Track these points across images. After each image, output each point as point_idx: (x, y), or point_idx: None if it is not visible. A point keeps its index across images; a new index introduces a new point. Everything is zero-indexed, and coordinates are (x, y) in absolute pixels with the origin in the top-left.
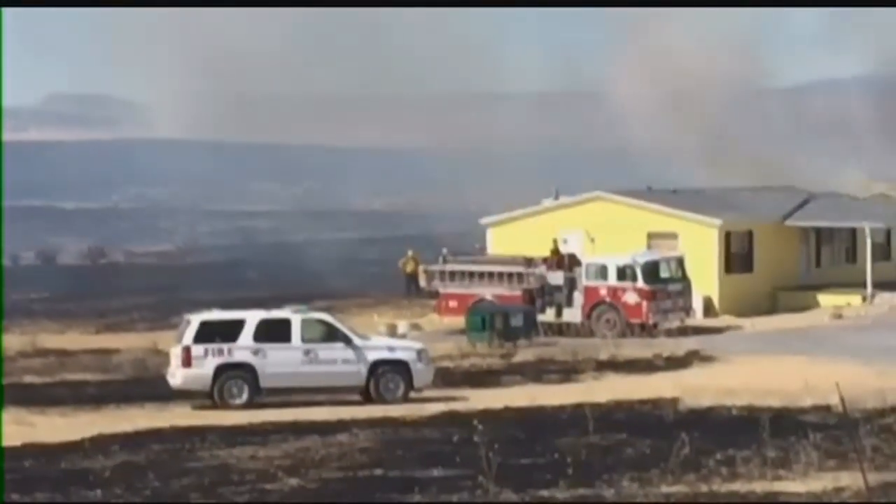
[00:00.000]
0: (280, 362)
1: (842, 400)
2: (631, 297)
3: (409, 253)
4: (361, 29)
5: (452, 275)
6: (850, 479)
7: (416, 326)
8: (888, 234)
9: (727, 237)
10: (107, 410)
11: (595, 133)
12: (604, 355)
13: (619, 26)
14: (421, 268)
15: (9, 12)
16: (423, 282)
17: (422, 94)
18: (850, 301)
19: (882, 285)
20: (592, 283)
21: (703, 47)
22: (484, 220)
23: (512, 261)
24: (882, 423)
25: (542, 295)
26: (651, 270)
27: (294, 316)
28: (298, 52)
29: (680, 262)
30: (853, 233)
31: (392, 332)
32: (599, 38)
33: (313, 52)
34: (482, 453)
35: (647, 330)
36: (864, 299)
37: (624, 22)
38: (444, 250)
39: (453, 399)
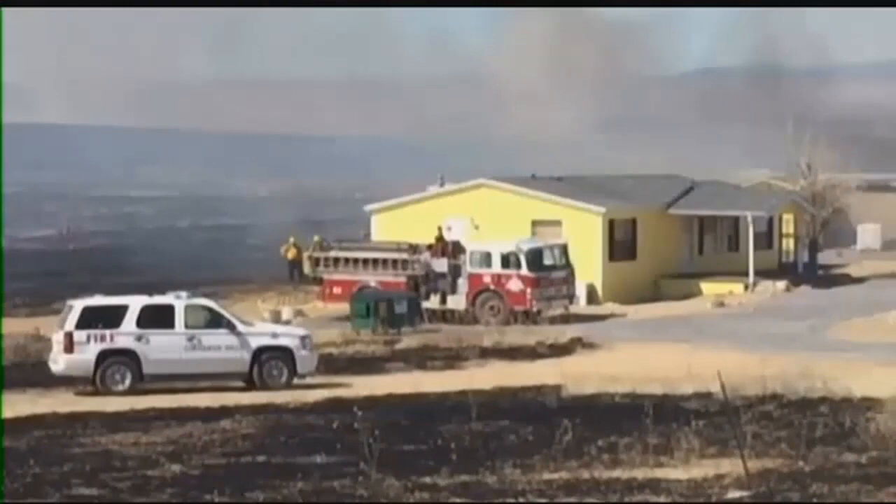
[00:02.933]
0: (163, 348)
1: (723, 387)
2: (515, 285)
3: (291, 239)
4: (242, 15)
5: (337, 261)
6: (730, 466)
7: (300, 313)
8: (770, 222)
9: (611, 225)
10: None
11: (481, 121)
12: (488, 342)
13: (506, 16)
14: (305, 254)
15: None
16: (307, 268)
17: (308, 80)
18: (732, 289)
19: (764, 273)
20: (476, 270)
21: (591, 38)
22: (369, 207)
23: (396, 248)
24: (762, 411)
25: (426, 282)
26: (535, 258)
27: (177, 302)
28: (178, 40)
29: (564, 249)
30: (736, 221)
31: (276, 318)
32: (487, 27)
33: (192, 40)
34: (364, 440)
35: (530, 317)
36: (746, 287)
37: (511, 13)
38: (316, 237)
39: (337, 386)
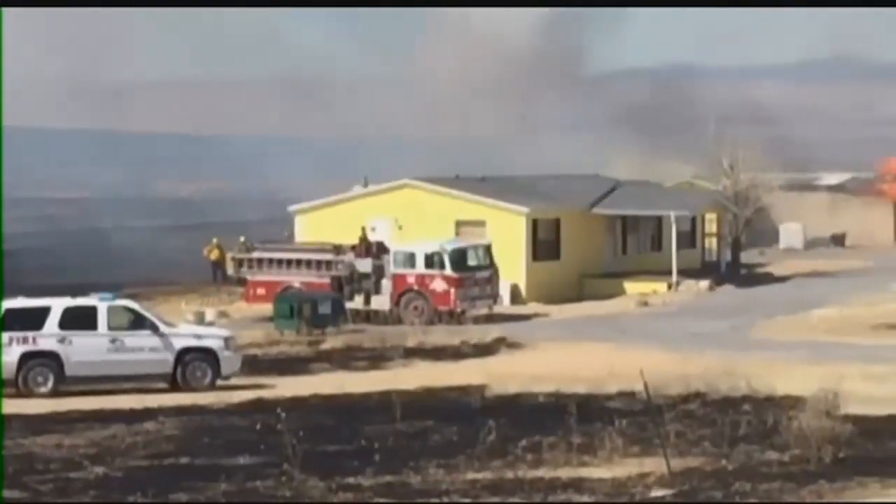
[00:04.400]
0: (86, 350)
1: (646, 386)
2: (439, 285)
3: (214, 240)
4: (168, 15)
5: (260, 262)
6: (653, 465)
7: (223, 314)
8: (693, 221)
9: (534, 225)
10: None
11: (404, 121)
12: (412, 342)
13: (427, 17)
14: (229, 255)
15: None
16: (230, 269)
17: (232, 81)
18: (655, 288)
19: (687, 272)
20: (400, 270)
21: (512, 38)
22: (292, 208)
23: (320, 248)
24: (685, 409)
25: (350, 282)
26: (459, 258)
27: (100, 303)
28: (100, 42)
29: (487, 249)
30: (659, 221)
31: (199, 319)
32: (408, 29)
33: (116, 39)
34: (288, 441)
35: (454, 317)
36: (669, 286)
37: (432, 14)
38: (242, 238)
39: (261, 387)
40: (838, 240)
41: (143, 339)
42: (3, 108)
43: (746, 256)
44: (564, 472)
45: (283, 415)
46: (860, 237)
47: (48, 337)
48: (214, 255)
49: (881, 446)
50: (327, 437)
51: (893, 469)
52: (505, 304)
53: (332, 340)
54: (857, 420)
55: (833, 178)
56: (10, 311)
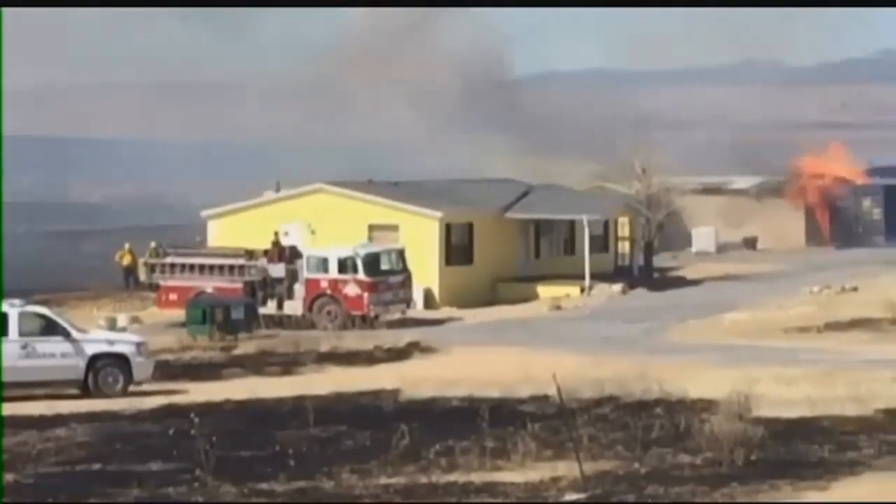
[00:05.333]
0: None
1: (559, 390)
2: (352, 289)
3: (126, 246)
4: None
5: (173, 267)
6: (566, 469)
7: (135, 319)
8: (606, 225)
9: (447, 229)
10: None
11: (320, 125)
12: (325, 347)
13: (342, 17)
14: (141, 260)
15: None
16: (143, 274)
17: (144, 83)
18: (568, 292)
19: (600, 276)
20: (313, 275)
21: (437, 42)
22: (205, 213)
23: (233, 253)
24: (598, 413)
25: (263, 287)
26: (372, 262)
27: (11, 309)
28: (18, 42)
29: (401, 253)
30: (572, 224)
31: (111, 325)
32: (329, 32)
33: (34, 42)
34: (201, 447)
35: (368, 322)
36: (582, 290)
37: (351, 13)
38: (153, 243)
39: (173, 392)
40: (750, 243)
41: (54, 344)
42: (2, 112)
43: (659, 260)
44: (477, 477)
45: (196, 420)
46: (772, 241)
47: None
48: (127, 260)
49: (792, 448)
50: (240, 443)
51: (804, 471)
52: (418, 309)
53: (245, 346)
54: (769, 422)
55: (744, 182)
56: None
